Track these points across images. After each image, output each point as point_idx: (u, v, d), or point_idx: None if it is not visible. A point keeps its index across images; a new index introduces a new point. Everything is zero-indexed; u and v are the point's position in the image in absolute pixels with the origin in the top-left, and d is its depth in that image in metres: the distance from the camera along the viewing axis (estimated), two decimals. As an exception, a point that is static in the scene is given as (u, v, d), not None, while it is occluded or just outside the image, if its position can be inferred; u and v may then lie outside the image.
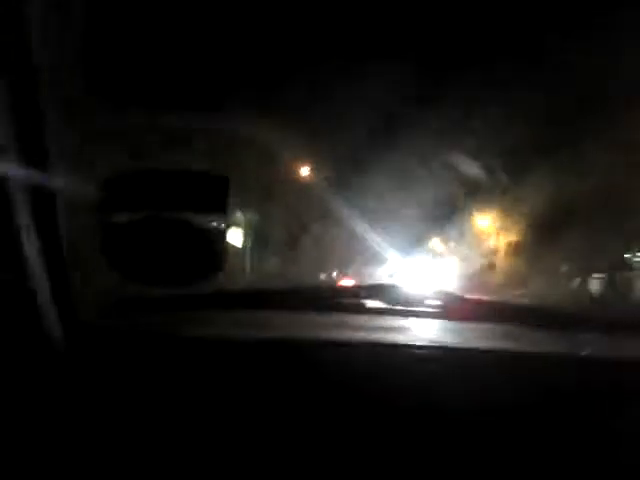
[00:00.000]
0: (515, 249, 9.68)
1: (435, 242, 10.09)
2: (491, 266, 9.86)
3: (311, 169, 8.39)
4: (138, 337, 1.40)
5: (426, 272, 8.23)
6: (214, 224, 1.26)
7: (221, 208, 1.26)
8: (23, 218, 1.11)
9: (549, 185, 7.51)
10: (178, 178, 1.29)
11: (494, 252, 10.15)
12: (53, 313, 1.21)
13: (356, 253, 8.54)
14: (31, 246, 1.14)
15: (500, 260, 10.07)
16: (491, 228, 10.33)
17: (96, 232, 1.28)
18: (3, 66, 1.05)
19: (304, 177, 8.49)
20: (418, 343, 1.53)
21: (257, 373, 1.30)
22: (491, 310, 1.96)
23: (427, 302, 1.92)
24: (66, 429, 1.18)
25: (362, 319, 1.86)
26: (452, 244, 10.14)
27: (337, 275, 9.68)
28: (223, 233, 1.27)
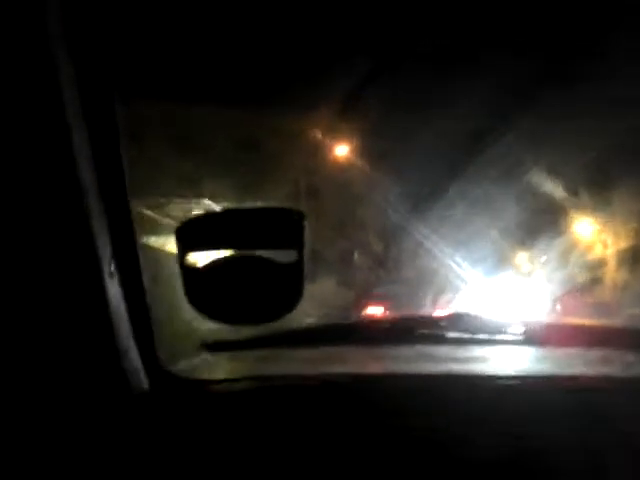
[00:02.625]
0: (630, 258, 8.60)
1: (521, 258, 9.14)
2: (597, 281, 8.56)
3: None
4: (218, 384, 1.41)
5: (510, 296, 7.36)
6: (291, 259, 1.27)
7: (298, 243, 1.26)
8: (106, 265, 1.15)
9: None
10: (253, 216, 1.32)
11: (601, 264, 9.09)
12: (136, 359, 1.23)
13: (426, 274, 8.09)
14: (115, 292, 1.17)
15: (611, 273, 8.86)
16: (595, 234, 9.15)
17: (176, 275, 1.31)
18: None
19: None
20: (499, 373, 1.49)
21: (338, 411, 1.29)
22: (576, 334, 1.89)
23: (509, 329, 1.87)
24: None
25: (442, 350, 1.82)
26: (543, 258, 9.10)
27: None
28: (300, 268, 1.27)
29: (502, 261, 8.14)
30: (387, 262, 9.35)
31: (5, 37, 1.00)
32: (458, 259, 6.66)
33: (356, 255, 9.60)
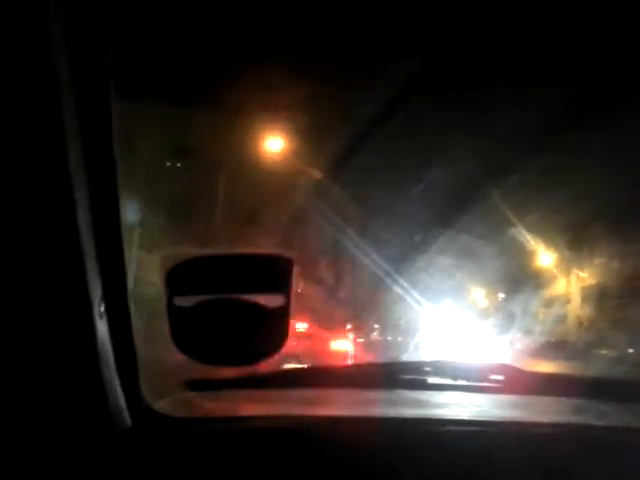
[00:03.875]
0: (596, 294, 8.42)
1: (477, 294, 8.93)
2: (561, 320, 8.34)
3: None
4: (199, 422, 1.43)
5: (464, 336, 7.33)
6: (277, 304, 1.30)
7: (285, 288, 1.30)
8: (97, 306, 1.17)
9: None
10: (241, 262, 1.35)
11: (565, 300, 8.85)
12: (120, 397, 1.25)
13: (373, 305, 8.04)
14: (103, 332, 1.20)
15: (575, 310, 8.55)
16: (558, 267, 8.76)
17: (162, 315, 1.33)
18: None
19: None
20: (467, 418, 1.52)
21: (316, 453, 1.31)
22: (552, 383, 1.93)
23: (484, 376, 1.91)
24: None
25: (423, 395, 1.85)
26: (500, 295, 8.85)
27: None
28: (286, 312, 1.31)
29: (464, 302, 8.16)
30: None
31: (5, 41, 1.01)
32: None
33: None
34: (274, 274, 1.31)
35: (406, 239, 7.73)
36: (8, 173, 1.06)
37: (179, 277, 1.31)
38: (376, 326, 9.83)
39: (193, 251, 1.35)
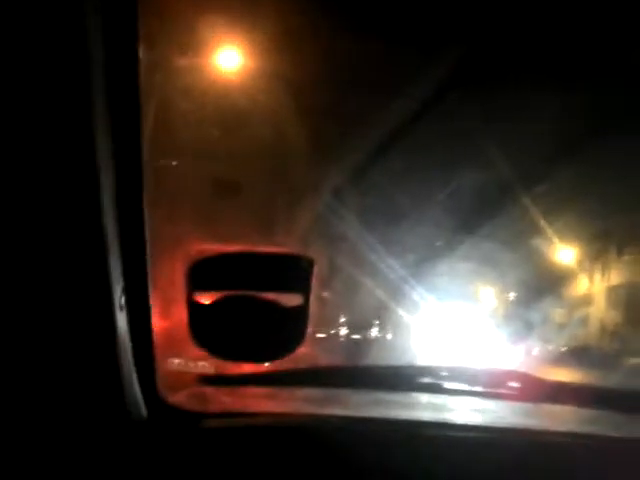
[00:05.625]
0: (622, 296, 7.79)
1: (486, 293, 8.56)
2: (583, 323, 7.82)
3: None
4: (213, 417, 1.44)
5: (480, 341, 7.09)
6: (297, 303, 1.31)
7: (305, 288, 1.31)
8: (117, 298, 1.19)
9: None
10: (263, 260, 1.36)
11: (586, 301, 8.30)
12: (136, 389, 1.27)
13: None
14: (123, 324, 1.21)
15: (598, 312, 8.27)
16: (581, 265, 7.98)
17: (183, 311, 1.35)
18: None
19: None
20: (481, 424, 1.52)
21: (329, 451, 1.31)
22: (568, 392, 1.92)
23: (500, 383, 1.90)
24: None
25: (438, 399, 1.85)
26: (515, 296, 8.53)
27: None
28: (305, 312, 1.32)
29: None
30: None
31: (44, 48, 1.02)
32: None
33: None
34: (295, 274, 1.32)
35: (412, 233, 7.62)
36: (31, 168, 1.08)
37: (200, 273, 1.33)
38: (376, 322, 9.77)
39: (214, 248, 1.36)
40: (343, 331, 9.48)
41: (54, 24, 1.02)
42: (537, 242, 7.68)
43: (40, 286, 1.14)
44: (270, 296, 1.32)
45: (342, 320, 9.42)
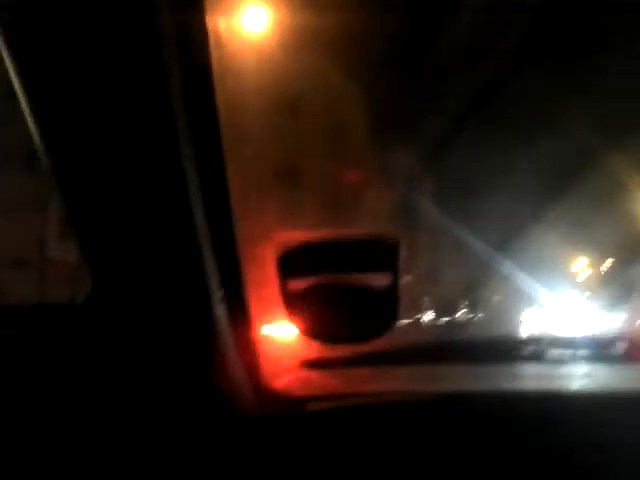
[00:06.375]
0: None
1: (581, 259, 8.28)
2: None
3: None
4: (316, 400, 1.46)
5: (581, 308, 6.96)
6: (386, 284, 1.32)
7: (393, 268, 1.31)
8: (215, 292, 1.23)
9: None
10: (349, 243, 1.37)
11: None
12: (242, 376, 1.31)
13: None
14: (223, 315, 1.26)
15: None
16: None
17: (278, 299, 1.38)
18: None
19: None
20: (590, 390, 1.47)
21: (433, 428, 1.31)
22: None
23: (605, 347, 1.85)
24: None
25: (542, 368, 1.82)
26: (607, 258, 8.10)
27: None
28: (395, 292, 1.32)
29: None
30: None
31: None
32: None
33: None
34: (382, 254, 1.33)
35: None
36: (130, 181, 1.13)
37: (290, 261, 1.35)
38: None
39: (299, 235, 1.38)
40: (430, 315, 9.36)
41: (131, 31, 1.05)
42: (629, 202, 7.33)
43: (144, 284, 1.20)
44: (360, 278, 1.34)
45: (428, 303, 9.29)
